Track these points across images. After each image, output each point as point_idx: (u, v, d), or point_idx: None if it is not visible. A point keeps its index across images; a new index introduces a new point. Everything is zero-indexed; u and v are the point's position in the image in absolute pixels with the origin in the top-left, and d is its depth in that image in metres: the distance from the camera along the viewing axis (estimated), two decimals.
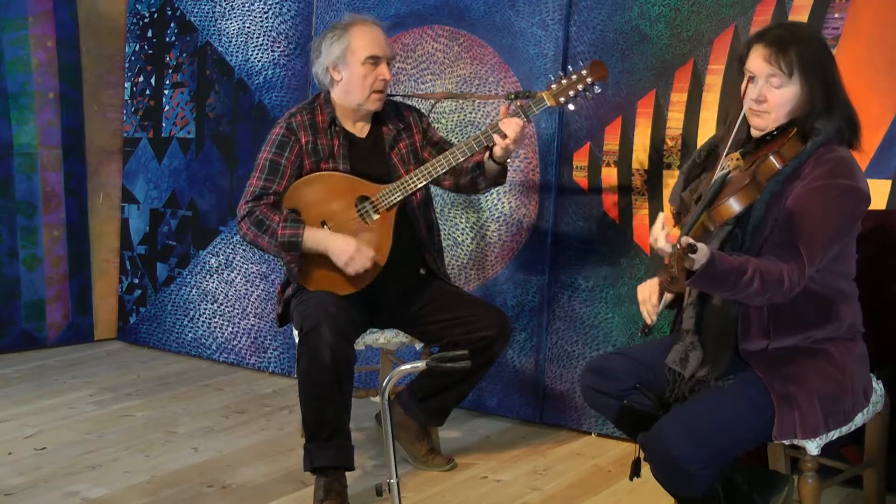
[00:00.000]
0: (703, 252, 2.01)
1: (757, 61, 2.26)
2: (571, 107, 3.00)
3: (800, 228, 2.18)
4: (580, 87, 2.96)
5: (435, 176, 2.97)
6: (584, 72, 2.97)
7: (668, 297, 2.35)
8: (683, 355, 2.36)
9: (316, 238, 2.93)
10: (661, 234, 2.07)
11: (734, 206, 2.09)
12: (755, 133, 2.32)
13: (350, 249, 2.90)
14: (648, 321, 2.33)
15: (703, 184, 2.39)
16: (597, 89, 2.99)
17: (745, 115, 2.31)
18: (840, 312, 2.32)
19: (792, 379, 2.25)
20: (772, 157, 2.17)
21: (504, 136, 2.90)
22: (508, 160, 3.03)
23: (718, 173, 2.20)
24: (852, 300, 2.36)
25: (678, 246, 1.97)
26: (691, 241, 1.97)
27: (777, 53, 2.23)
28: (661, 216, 2.11)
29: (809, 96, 2.24)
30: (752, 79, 2.27)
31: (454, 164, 2.96)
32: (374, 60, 2.99)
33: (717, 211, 2.10)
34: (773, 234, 2.22)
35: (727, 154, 2.25)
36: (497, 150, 2.95)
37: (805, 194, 2.21)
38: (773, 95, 2.24)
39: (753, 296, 2.14)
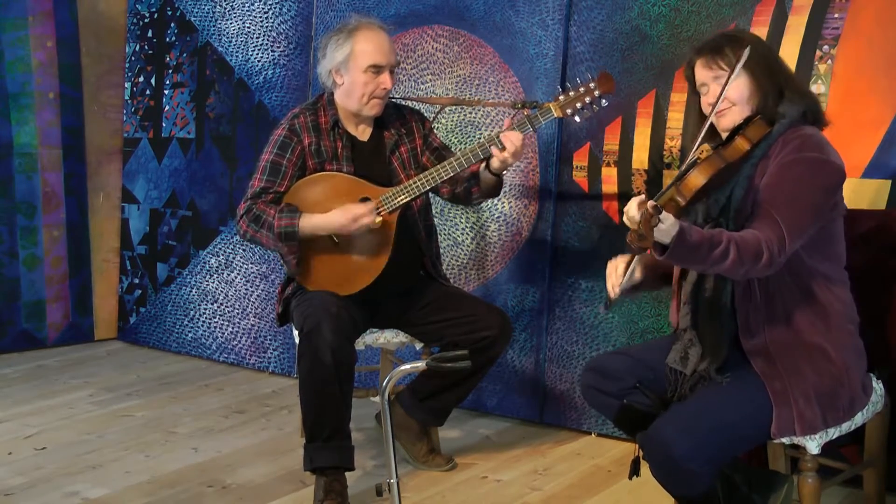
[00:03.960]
0: (671, 222, 2.04)
1: (700, 71, 2.36)
2: (578, 119, 3.00)
3: (775, 200, 2.21)
4: (588, 99, 2.96)
5: (438, 182, 2.96)
6: (592, 84, 2.96)
7: (636, 275, 2.36)
8: (683, 353, 2.38)
9: (313, 223, 2.92)
10: (632, 203, 2.10)
11: (699, 177, 2.15)
12: (724, 135, 2.38)
13: (348, 216, 2.89)
14: (611, 294, 2.34)
15: None
16: (604, 102, 2.98)
17: (711, 126, 2.35)
18: (830, 299, 2.32)
19: (789, 376, 2.26)
20: (737, 139, 2.24)
21: (503, 149, 2.90)
22: (505, 171, 3.03)
23: (688, 161, 2.25)
24: (843, 287, 2.37)
25: (646, 209, 1.99)
26: (656, 203, 2.00)
27: (713, 56, 2.33)
28: (639, 197, 2.15)
29: (758, 84, 2.32)
30: (704, 89, 2.36)
31: (458, 170, 2.95)
32: (376, 69, 2.98)
33: (684, 184, 2.15)
34: (752, 214, 2.26)
35: (697, 147, 2.29)
36: (495, 162, 2.94)
37: (777, 170, 2.25)
38: (728, 91, 2.30)
39: (731, 267, 2.14)
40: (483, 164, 2.98)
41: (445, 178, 2.95)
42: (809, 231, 2.24)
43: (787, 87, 2.34)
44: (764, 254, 2.15)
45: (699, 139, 2.26)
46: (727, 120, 2.35)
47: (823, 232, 2.30)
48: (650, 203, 1.99)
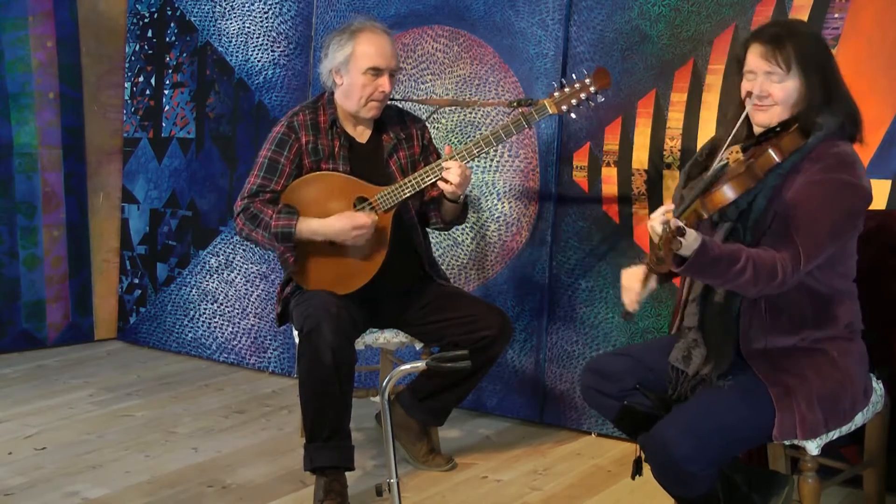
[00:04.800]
0: (692, 237, 2.02)
1: (754, 59, 2.28)
2: (574, 115, 3.00)
3: (797, 221, 2.18)
4: (583, 95, 2.95)
5: (435, 180, 2.95)
6: (587, 80, 2.96)
7: (652, 285, 2.34)
8: (686, 353, 2.36)
9: (311, 228, 2.92)
10: (658, 215, 2.09)
11: (728, 192, 2.10)
12: (757, 130, 2.33)
13: (348, 225, 2.89)
14: (630, 309, 2.32)
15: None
16: (600, 98, 2.98)
17: (746, 114, 2.31)
18: (838, 312, 2.32)
19: (792, 379, 2.25)
20: (770, 150, 2.18)
21: (447, 182, 2.93)
22: (461, 196, 3.02)
23: (716, 164, 2.20)
24: (852, 300, 2.36)
25: (668, 228, 1.97)
26: (681, 224, 1.97)
27: (774, 49, 2.25)
28: (665, 206, 2.13)
29: (808, 91, 2.26)
30: (751, 76, 2.29)
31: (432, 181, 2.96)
32: (376, 72, 2.98)
33: (710, 198, 2.11)
34: (771, 228, 2.23)
35: (727, 147, 2.26)
36: (445, 191, 2.96)
37: (804, 187, 2.21)
38: (775, 89, 2.26)
39: (746, 285, 2.13)
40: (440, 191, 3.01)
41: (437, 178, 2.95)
42: (827, 253, 2.21)
43: (835, 95, 2.27)
44: (778, 275, 2.13)
45: (731, 135, 2.21)
46: (765, 117, 2.29)
47: (839, 249, 2.27)
48: (673, 222, 1.96)
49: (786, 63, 2.24)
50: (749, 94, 2.29)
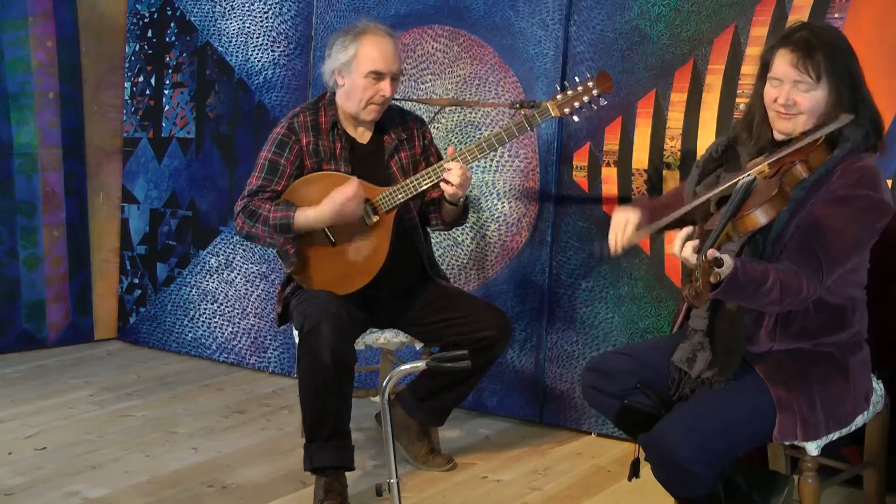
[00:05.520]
0: (727, 265, 1.97)
1: (783, 66, 2.22)
2: (576, 118, 3.00)
3: (820, 238, 2.14)
4: (586, 98, 2.96)
5: (437, 181, 2.96)
6: (590, 83, 2.96)
7: (641, 234, 2.30)
8: (691, 355, 2.36)
9: (307, 215, 2.92)
10: (687, 244, 2.01)
11: (761, 217, 2.03)
12: (778, 136, 2.28)
13: (336, 203, 2.88)
14: (612, 248, 2.27)
15: (721, 181, 2.34)
16: (602, 101, 2.98)
17: (765, 117, 2.28)
18: (850, 320, 2.31)
19: (794, 381, 2.24)
20: (799, 166, 2.12)
21: (449, 183, 2.93)
22: (461, 198, 3.02)
23: (744, 178, 2.14)
24: (861, 308, 2.36)
25: (703, 259, 1.91)
26: (718, 255, 1.92)
27: (804, 58, 2.19)
28: (686, 230, 2.06)
29: (837, 101, 2.20)
30: (776, 83, 2.24)
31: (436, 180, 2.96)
32: (377, 76, 2.98)
33: (742, 222, 2.04)
34: (792, 241, 2.20)
35: (751, 160, 2.22)
36: (446, 192, 2.96)
37: (829, 204, 2.18)
38: (803, 98, 2.21)
39: (770, 304, 2.11)
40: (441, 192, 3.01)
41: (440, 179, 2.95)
42: (847, 266, 2.21)
43: (861, 104, 2.22)
44: (803, 292, 2.11)
45: (755, 144, 2.15)
46: (788, 126, 2.24)
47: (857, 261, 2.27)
48: (710, 253, 1.90)
49: (816, 73, 2.18)
50: (774, 100, 2.24)
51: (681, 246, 2.03)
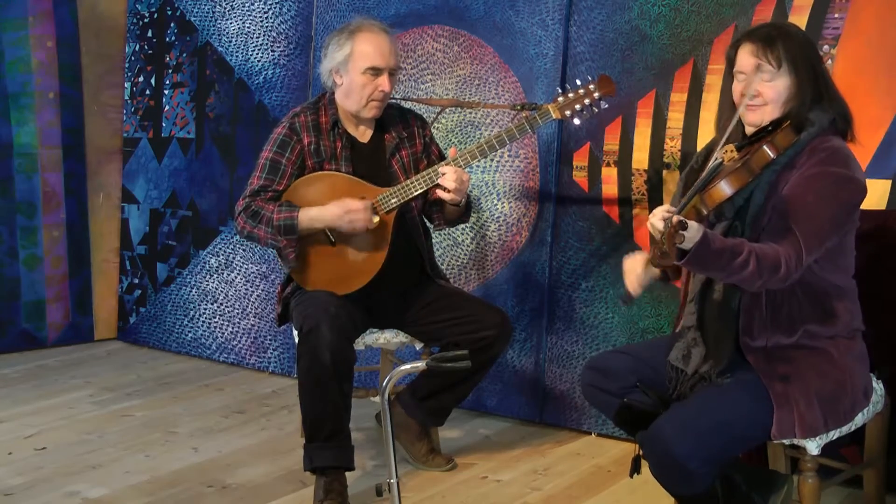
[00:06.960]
0: (695, 230, 2.04)
1: (745, 57, 2.30)
2: (577, 121, 3.00)
3: (796, 215, 2.20)
4: (587, 101, 2.96)
5: (436, 182, 2.96)
6: (591, 86, 2.96)
7: (654, 271, 2.34)
8: (686, 352, 2.37)
9: (311, 216, 2.92)
10: (658, 212, 2.10)
11: (725, 188, 2.14)
12: (749, 130, 2.35)
13: (342, 208, 2.89)
14: (632, 292, 2.31)
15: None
16: (603, 104, 2.98)
17: (739, 117, 2.32)
18: (838, 309, 2.32)
19: (791, 378, 2.25)
20: (765, 147, 2.20)
21: (445, 189, 2.93)
22: (462, 199, 3.02)
23: (712, 163, 2.22)
24: (851, 297, 2.37)
25: (670, 223, 1.98)
26: (682, 218, 1.99)
27: (764, 47, 2.27)
28: (665, 206, 2.14)
29: (799, 88, 2.28)
30: (741, 77, 2.31)
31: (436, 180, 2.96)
32: (375, 71, 2.98)
33: (708, 194, 2.14)
34: (770, 223, 2.24)
35: (721, 147, 2.27)
36: (444, 195, 2.96)
37: (801, 182, 2.23)
38: (766, 88, 2.28)
39: (749, 278, 2.14)
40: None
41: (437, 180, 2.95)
42: (827, 246, 2.23)
43: (825, 92, 2.30)
44: (782, 268, 2.14)
45: (725, 137, 2.23)
46: (756, 117, 2.31)
47: (837, 244, 2.28)
48: (675, 218, 1.98)
49: (776, 60, 2.26)
50: (742, 95, 2.31)
51: (656, 213, 2.11)
